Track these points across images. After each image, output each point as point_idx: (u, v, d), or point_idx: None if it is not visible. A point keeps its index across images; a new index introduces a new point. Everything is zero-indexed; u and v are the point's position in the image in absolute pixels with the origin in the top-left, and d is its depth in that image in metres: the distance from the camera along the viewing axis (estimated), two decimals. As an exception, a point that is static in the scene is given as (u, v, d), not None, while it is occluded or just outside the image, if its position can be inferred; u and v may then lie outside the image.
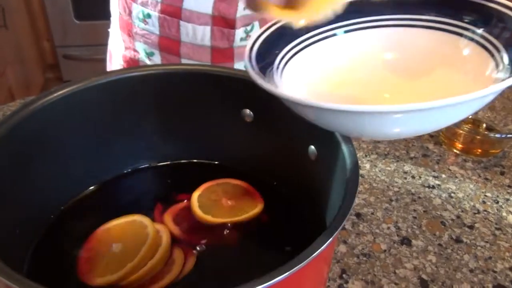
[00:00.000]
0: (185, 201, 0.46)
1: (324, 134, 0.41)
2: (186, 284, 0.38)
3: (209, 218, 0.44)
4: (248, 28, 0.67)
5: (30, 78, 1.85)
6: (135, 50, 0.70)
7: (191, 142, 0.51)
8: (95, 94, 0.45)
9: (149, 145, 0.50)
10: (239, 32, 0.66)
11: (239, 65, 0.70)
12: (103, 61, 2.10)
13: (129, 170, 0.50)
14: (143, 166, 0.51)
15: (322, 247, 0.30)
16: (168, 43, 0.67)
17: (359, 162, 0.59)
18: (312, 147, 0.44)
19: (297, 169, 0.47)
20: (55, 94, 0.42)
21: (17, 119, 0.39)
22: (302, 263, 0.28)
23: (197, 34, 0.65)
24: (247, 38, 0.67)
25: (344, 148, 0.38)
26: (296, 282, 0.32)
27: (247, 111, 0.49)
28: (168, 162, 0.51)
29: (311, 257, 0.29)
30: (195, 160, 0.52)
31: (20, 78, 1.72)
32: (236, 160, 0.52)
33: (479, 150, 0.61)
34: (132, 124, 0.49)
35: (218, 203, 0.45)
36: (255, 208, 0.45)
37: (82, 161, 0.46)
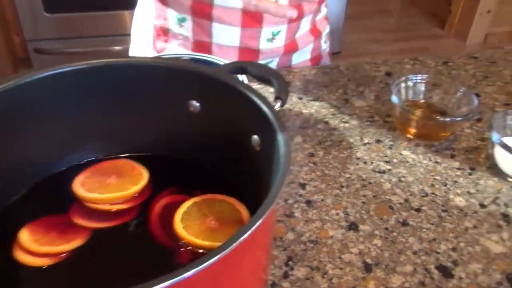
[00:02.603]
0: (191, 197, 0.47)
1: (264, 123, 0.42)
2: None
3: (178, 228, 0.43)
4: None
5: (0, 72, 1.82)
6: (165, 18, 0.72)
7: (138, 135, 0.51)
8: (36, 87, 0.44)
9: (94, 139, 0.50)
10: None
11: (266, 30, 0.72)
12: (76, 54, 2.06)
13: (75, 164, 0.50)
14: (91, 159, 0.50)
15: (244, 236, 0.30)
16: (201, 7, 0.69)
17: (313, 149, 0.60)
18: (255, 136, 0.44)
19: (244, 159, 0.47)
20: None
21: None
22: (219, 255, 0.29)
23: None
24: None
25: (279, 136, 0.39)
26: (228, 269, 0.33)
27: (194, 102, 0.49)
28: (114, 156, 0.51)
29: (229, 248, 0.29)
30: (144, 154, 0.52)
31: (-10, 73, 1.69)
32: (186, 151, 0.52)
33: (433, 134, 0.62)
34: (74, 118, 0.48)
35: (203, 219, 0.44)
36: None
37: (28, 154, 0.46)
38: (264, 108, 0.42)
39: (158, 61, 0.49)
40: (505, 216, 0.51)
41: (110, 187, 0.47)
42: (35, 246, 0.41)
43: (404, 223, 0.50)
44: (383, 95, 0.71)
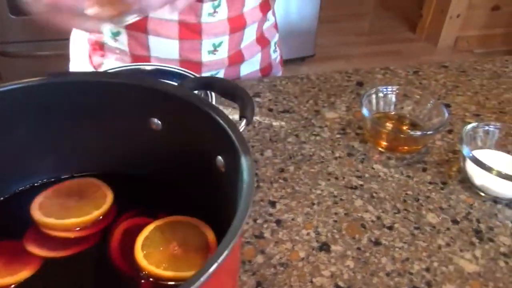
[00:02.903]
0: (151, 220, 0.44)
1: (227, 145, 0.39)
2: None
3: (138, 256, 0.40)
4: (216, 3, 0.65)
5: (-36, 78, 1.74)
6: (99, 32, 0.68)
7: (99, 153, 0.48)
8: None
9: (53, 158, 0.47)
10: (207, 7, 0.65)
11: (206, 41, 0.68)
12: (43, 57, 1.99)
13: (36, 183, 0.47)
14: (50, 180, 0.47)
15: (210, 271, 0.28)
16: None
17: (283, 164, 0.58)
18: (219, 157, 0.42)
19: (209, 179, 0.45)
20: None
21: None
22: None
23: (165, 8, 0.63)
24: (214, 14, 0.66)
25: (243, 159, 0.36)
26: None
27: (155, 120, 0.46)
28: (74, 175, 0.48)
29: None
30: (101, 172, 0.49)
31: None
32: (150, 171, 0.49)
33: (405, 148, 0.61)
34: (32, 135, 0.45)
35: (165, 245, 0.41)
36: (196, 269, 0.40)
37: None
38: (227, 129, 0.40)
39: (119, 78, 0.46)
40: (477, 232, 0.50)
41: (70, 210, 0.44)
42: None
43: (377, 242, 0.49)
44: (355, 105, 0.69)
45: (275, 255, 0.47)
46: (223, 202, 0.44)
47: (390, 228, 0.50)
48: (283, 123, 0.65)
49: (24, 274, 0.39)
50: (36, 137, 0.45)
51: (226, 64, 0.73)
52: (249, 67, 0.78)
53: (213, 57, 0.71)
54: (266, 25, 0.78)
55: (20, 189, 0.46)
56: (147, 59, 0.69)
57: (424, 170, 0.58)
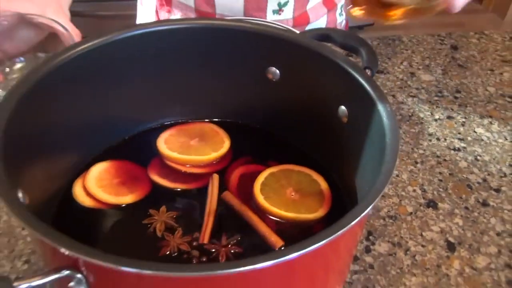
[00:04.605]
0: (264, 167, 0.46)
1: (356, 92, 0.40)
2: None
3: (259, 199, 0.42)
4: None
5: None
6: None
7: (212, 102, 0.50)
8: (117, 48, 0.43)
9: (178, 104, 0.49)
10: None
11: (272, 0, 0.67)
12: (107, 17, 2.02)
13: (153, 126, 0.49)
14: (167, 123, 0.50)
15: (358, 218, 0.29)
16: None
17: (383, 123, 0.58)
18: (343, 107, 0.43)
19: (327, 132, 0.45)
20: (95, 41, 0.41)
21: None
22: (344, 229, 0.28)
23: None
24: None
25: (380, 108, 0.37)
26: (336, 246, 0.32)
27: (273, 69, 0.47)
28: (190, 121, 0.50)
29: (349, 225, 0.28)
30: (216, 119, 0.51)
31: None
32: (261, 121, 0.50)
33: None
34: (150, 81, 0.47)
35: (282, 190, 0.43)
36: (314, 212, 0.42)
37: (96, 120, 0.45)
38: (358, 76, 0.40)
39: (238, 24, 0.46)
40: None
41: (191, 149, 0.47)
42: (91, 185, 0.42)
43: (485, 204, 0.48)
44: (451, 69, 0.68)
45: (383, 208, 0.48)
46: (339, 152, 0.45)
47: (497, 190, 0.50)
48: (378, 83, 0.64)
49: (130, 198, 0.42)
50: (166, 85, 0.47)
51: (290, 25, 0.71)
52: None
53: (278, 17, 0.68)
54: None
55: (151, 127, 0.49)
56: (212, 16, 0.69)
57: (529, 136, 0.57)
